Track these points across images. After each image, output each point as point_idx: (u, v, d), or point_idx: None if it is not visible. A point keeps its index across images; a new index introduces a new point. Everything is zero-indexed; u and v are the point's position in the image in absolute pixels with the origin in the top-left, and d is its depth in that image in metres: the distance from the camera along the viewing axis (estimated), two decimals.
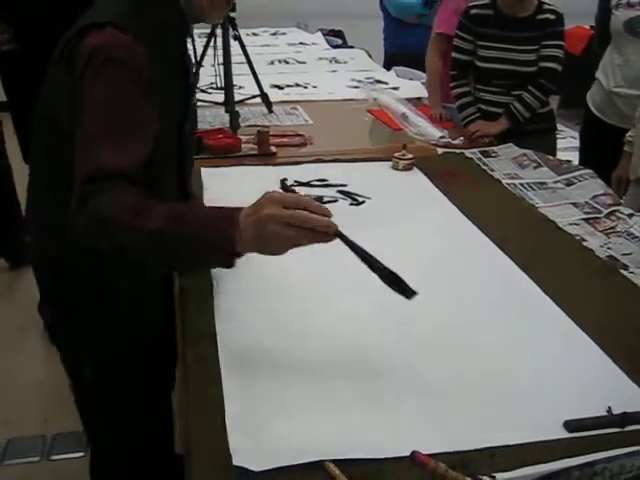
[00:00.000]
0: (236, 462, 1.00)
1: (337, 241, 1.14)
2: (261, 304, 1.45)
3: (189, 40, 1.49)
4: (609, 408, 1.12)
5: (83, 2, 1.40)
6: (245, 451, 1.03)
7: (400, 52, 4.00)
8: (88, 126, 1.16)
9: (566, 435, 1.08)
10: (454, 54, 2.66)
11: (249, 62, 2.85)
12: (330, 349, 1.29)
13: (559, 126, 4.20)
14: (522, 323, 1.39)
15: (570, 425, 1.09)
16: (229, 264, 1.12)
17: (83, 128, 1.16)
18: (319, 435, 1.06)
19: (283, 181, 1.08)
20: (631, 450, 0.98)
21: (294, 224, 1.04)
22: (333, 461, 1.00)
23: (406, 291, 1.12)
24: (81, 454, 2.22)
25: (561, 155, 2.75)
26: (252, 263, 1.56)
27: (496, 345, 1.31)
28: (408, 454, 0.98)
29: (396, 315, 1.39)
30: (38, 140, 1.36)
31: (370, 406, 1.13)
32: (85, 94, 1.17)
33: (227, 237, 1.06)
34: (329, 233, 1.08)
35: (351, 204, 1.96)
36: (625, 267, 1.64)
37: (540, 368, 1.24)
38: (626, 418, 1.10)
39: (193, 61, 1.55)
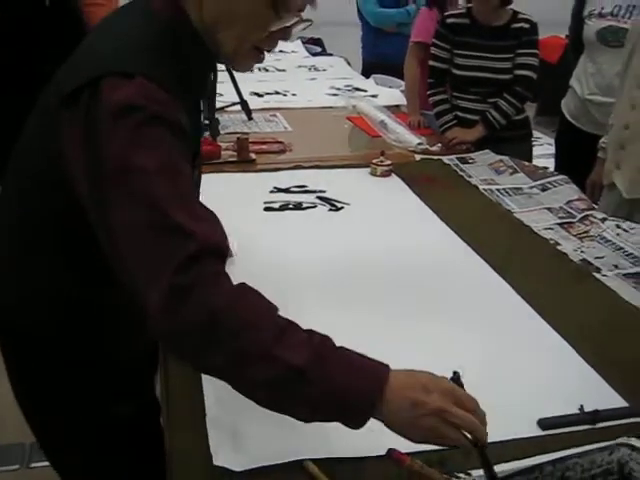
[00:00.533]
0: (217, 462, 1.02)
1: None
2: None
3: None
4: (581, 406, 1.15)
5: (56, 37, 1.25)
6: (226, 451, 1.04)
7: (379, 60, 4.05)
8: (154, 199, 0.91)
9: (540, 433, 1.11)
10: (431, 62, 2.70)
11: (229, 70, 2.86)
12: None
13: (536, 133, 4.27)
14: (497, 325, 1.42)
15: (544, 423, 1.12)
16: (355, 427, 0.93)
17: (143, 203, 0.91)
18: (299, 435, 1.08)
19: (455, 373, 0.97)
20: (602, 445, 1.01)
21: (459, 426, 0.90)
22: (313, 460, 1.02)
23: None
24: None
25: (538, 162, 2.80)
26: (233, 264, 1.60)
27: (471, 346, 1.34)
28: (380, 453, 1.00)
29: (376, 316, 1.42)
30: (24, 197, 1.15)
31: None
32: (127, 161, 0.92)
33: (369, 400, 0.90)
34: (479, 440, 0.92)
35: (330, 210, 1.98)
36: (598, 270, 1.68)
37: (514, 368, 1.27)
38: (597, 415, 1.13)
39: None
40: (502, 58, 2.53)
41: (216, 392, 1.17)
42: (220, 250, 0.95)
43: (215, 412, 1.13)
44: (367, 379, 0.90)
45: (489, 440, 1.06)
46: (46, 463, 2.21)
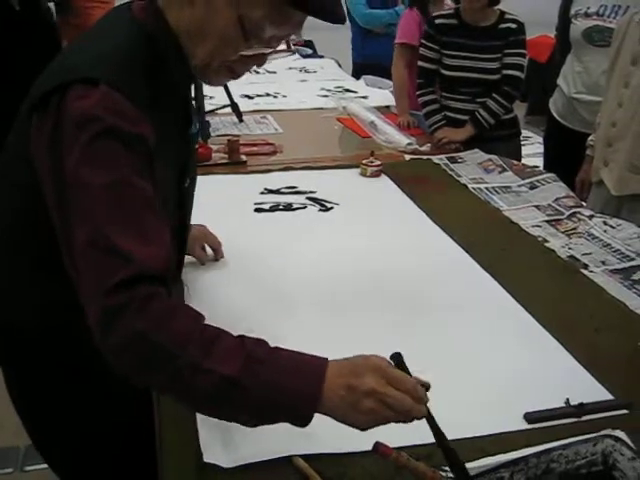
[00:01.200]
0: (207, 459, 1.03)
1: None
2: (234, 308, 1.47)
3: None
4: (567, 400, 1.17)
5: (26, 43, 1.23)
6: (215, 448, 1.05)
7: (368, 61, 4.07)
8: (96, 218, 0.91)
9: (526, 426, 1.13)
10: (420, 63, 2.72)
11: None
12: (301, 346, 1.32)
13: (526, 133, 4.29)
14: (485, 321, 1.44)
15: (530, 417, 1.13)
16: (301, 425, 0.93)
17: (87, 221, 0.92)
18: (288, 431, 1.08)
19: (396, 355, 0.96)
20: (586, 437, 1.02)
21: (394, 408, 0.91)
22: (302, 456, 1.03)
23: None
24: None
25: (528, 160, 2.82)
26: (224, 265, 1.61)
27: (459, 341, 1.36)
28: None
29: (366, 316, 1.43)
30: (6, 198, 1.14)
31: None
32: (77, 177, 0.93)
33: (309, 399, 0.90)
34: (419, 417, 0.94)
35: (320, 210, 2.00)
36: (585, 266, 1.70)
37: (502, 363, 1.29)
38: (583, 409, 1.14)
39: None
40: (490, 58, 2.54)
41: None
42: (158, 273, 0.92)
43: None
44: (304, 379, 0.90)
45: (475, 434, 1.09)
46: (41, 466, 2.24)
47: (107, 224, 0.91)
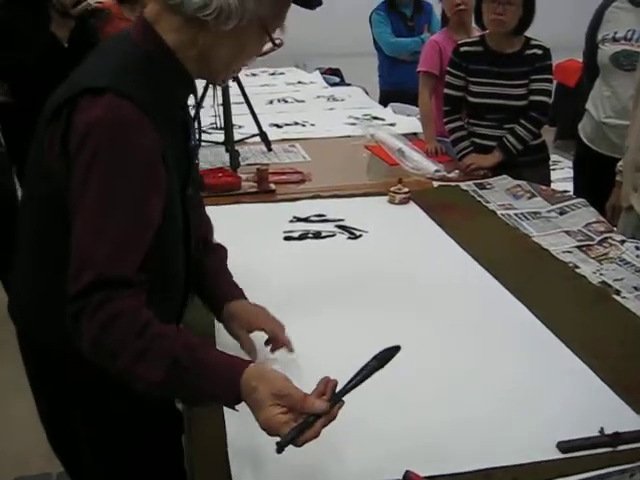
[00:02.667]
0: None
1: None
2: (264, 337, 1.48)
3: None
4: (601, 429, 1.15)
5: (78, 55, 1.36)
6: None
7: (395, 89, 4.10)
8: (88, 221, 1.03)
9: (560, 455, 1.11)
10: (446, 90, 2.74)
11: (248, 102, 2.93)
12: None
13: (556, 157, 4.27)
14: (516, 349, 1.43)
15: (563, 446, 1.12)
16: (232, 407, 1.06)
17: (82, 222, 1.03)
18: (317, 461, 1.09)
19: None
20: (621, 468, 1.01)
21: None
22: None
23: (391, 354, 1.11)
24: None
25: (558, 185, 2.82)
26: (260, 292, 1.61)
27: (491, 370, 1.35)
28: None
29: (397, 342, 1.43)
30: (30, 211, 1.20)
31: (365, 430, 1.17)
32: (82, 182, 1.03)
33: (230, 398, 1.04)
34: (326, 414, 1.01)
35: (349, 238, 2.01)
36: (617, 292, 1.68)
37: (534, 391, 1.28)
38: (618, 438, 1.13)
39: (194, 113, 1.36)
40: (516, 84, 2.55)
41: (238, 422, 1.19)
42: (120, 281, 1.03)
43: (237, 443, 1.15)
44: (222, 386, 1.02)
45: (508, 463, 1.08)
46: None
47: (87, 235, 1.03)
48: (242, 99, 2.94)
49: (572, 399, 1.25)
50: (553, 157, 3.94)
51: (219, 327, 1.50)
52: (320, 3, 1.16)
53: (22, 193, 1.29)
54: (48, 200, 1.12)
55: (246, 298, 1.38)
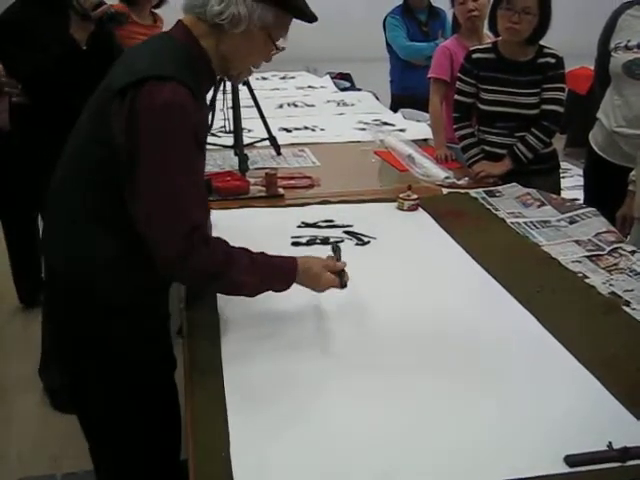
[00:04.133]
0: None
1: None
2: (268, 341, 1.48)
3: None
4: (610, 443, 1.13)
5: (96, 58, 1.44)
6: None
7: (407, 94, 4.08)
8: (169, 184, 1.30)
9: (567, 470, 1.10)
10: (457, 97, 2.73)
11: (257, 106, 2.92)
12: (331, 389, 1.32)
13: (566, 165, 4.24)
14: (524, 359, 1.42)
15: (571, 460, 1.10)
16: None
17: (162, 185, 1.30)
18: (320, 472, 1.08)
19: (335, 246, 1.67)
20: None
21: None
22: None
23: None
24: None
25: (568, 194, 2.80)
26: (260, 302, 1.61)
27: (496, 380, 1.34)
28: None
29: (395, 353, 1.42)
30: (84, 175, 1.41)
31: (368, 444, 1.15)
32: (155, 152, 1.29)
33: (290, 280, 1.47)
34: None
35: (357, 244, 2.00)
36: (627, 303, 1.66)
37: (541, 403, 1.26)
38: (627, 453, 1.11)
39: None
40: (528, 93, 2.53)
41: (241, 423, 1.19)
42: (205, 225, 1.41)
43: (239, 445, 1.14)
44: (285, 279, 1.47)
45: (514, 477, 1.07)
46: None
47: (183, 192, 1.32)
48: (252, 103, 2.93)
49: (580, 412, 1.24)
50: (563, 165, 3.91)
51: (224, 327, 1.52)
52: (316, 18, 1.44)
53: (66, 153, 1.48)
54: (101, 162, 1.36)
55: None
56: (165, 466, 1.63)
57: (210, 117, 1.60)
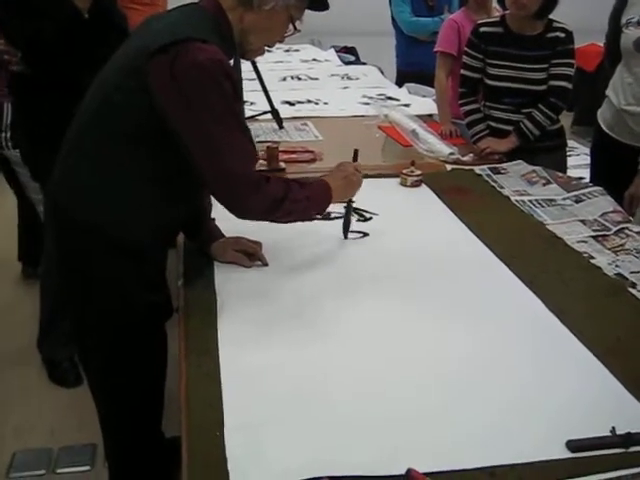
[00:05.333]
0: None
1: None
2: (265, 321, 1.45)
3: None
4: (613, 428, 1.11)
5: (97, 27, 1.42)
6: (243, 471, 1.03)
7: (412, 69, 4.01)
8: (230, 133, 1.42)
9: (569, 455, 1.07)
10: (463, 71, 2.67)
11: (260, 79, 2.87)
12: (329, 371, 1.29)
13: (572, 143, 4.18)
14: (526, 341, 1.39)
15: (573, 445, 1.08)
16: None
17: (221, 134, 1.41)
18: (317, 453, 1.06)
19: (355, 151, 1.85)
20: (634, 472, 0.97)
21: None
22: (330, 478, 1.00)
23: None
24: (87, 468, 2.21)
25: (574, 172, 2.74)
26: (272, 272, 1.62)
27: (499, 362, 1.31)
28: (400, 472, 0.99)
29: (396, 335, 1.39)
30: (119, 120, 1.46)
31: (368, 425, 1.13)
32: (208, 108, 1.39)
33: (329, 195, 1.63)
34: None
35: (358, 220, 1.96)
36: (633, 285, 1.63)
37: (543, 386, 1.24)
38: (630, 438, 1.08)
39: None
40: (536, 68, 2.48)
41: (236, 412, 1.16)
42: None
43: (234, 431, 1.12)
44: (324, 193, 1.63)
45: (514, 461, 1.04)
46: (72, 469, 2.25)
47: (243, 135, 1.47)
48: (254, 75, 2.88)
49: (583, 395, 1.21)
50: (569, 143, 3.85)
51: (221, 309, 1.49)
52: (328, 7, 1.59)
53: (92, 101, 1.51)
54: (129, 112, 1.44)
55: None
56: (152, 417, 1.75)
57: None
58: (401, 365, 1.29)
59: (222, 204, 1.51)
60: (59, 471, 2.23)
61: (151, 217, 1.53)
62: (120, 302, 1.55)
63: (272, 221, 1.57)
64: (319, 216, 1.69)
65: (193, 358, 1.32)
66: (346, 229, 1.84)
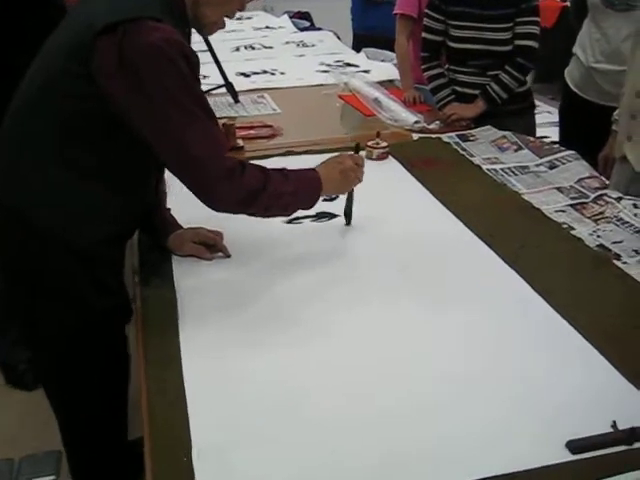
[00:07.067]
0: None
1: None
2: (233, 328, 1.33)
3: None
4: (614, 423, 1.02)
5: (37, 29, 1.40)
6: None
7: (369, 33, 3.87)
8: (191, 116, 1.29)
9: (570, 457, 0.98)
10: (424, 34, 2.54)
11: (211, 50, 2.70)
12: (298, 375, 1.19)
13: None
14: (507, 325, 1.30)
15: (573, 446, 0.99)
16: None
17: (183, 119, 1.28)
18: (284, 465, 0.96)
19: (357, 145, 1.71)
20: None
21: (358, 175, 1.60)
22: None
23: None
24: (52, 477, 2.08)
25: (539, 131, 2.66)
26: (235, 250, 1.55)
27: (490, 359, 1.21)
28: None
29: (380, 332, 1.30)
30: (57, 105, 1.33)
31: (350, 435, 1.03)
32: (165, 90, 1.26)
33: (319, 188, 1.49)
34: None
35: (324, 200, 1.83)
36: (617, 257, 1.55)
37: (531, 379, 1.15)
38: (634, 434, 1.00)
39: None
40: (500, 28, 2.36)
41: (203, 421, 1.06)
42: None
43: (201, 440, 1.02)
44: (314, 188, 1.48)
45: (510, 470, 0.95)
46: (35, 479, 2.11)
47: (203, 119, 1.32)
48: (205, 47, 2.71)
49: (577, 386, 1.12)
50: None
51: (180, 305, 1.38)
52: None
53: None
54: (74, 97, 1.29)
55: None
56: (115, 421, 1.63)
57: None
58: (389, 365, 1.19)
59: (194, 194, 1.38)
60: None
61: (101, 214, 1.40)
62: (71, 308, 1.42)
63: (250, 215, 1.44)
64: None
65: (153, 370, 1.20)
66: (348, 215, 1.71)
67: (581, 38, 2.55)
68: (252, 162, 1.43)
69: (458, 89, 2.51)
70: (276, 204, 1.43)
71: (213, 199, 1.38)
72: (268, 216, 1.47)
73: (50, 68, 1.34)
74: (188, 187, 1.37)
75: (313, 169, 1.50)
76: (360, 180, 1.60)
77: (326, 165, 1.54)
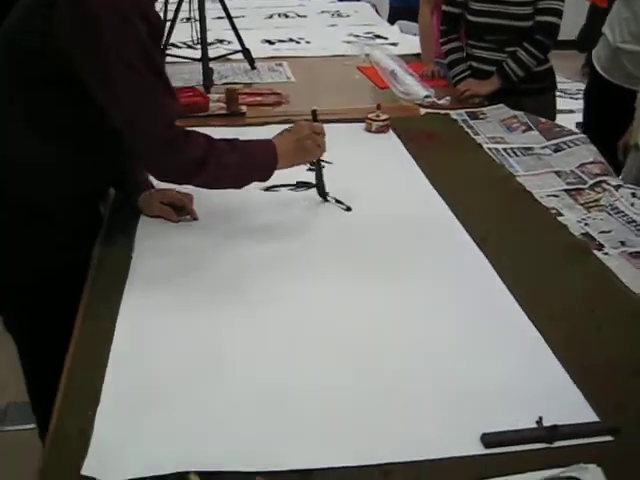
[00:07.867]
0: (84, 472, 0.87)
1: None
2: (179, 292, 1.30)
3: None
4: (540, 419, 0.95)
5: None
6: (100, 460, 0.89)
7: (406, 5, 3.75)
8: (141, 80, 1.25)
9: (483, 451, 0.92)
10: (444, 7, 2.44)
11: (228, 16, 2.66)
12: (227, 354, 1.13)
13: (581, 85, 3.92)
14: (461, 309, 1.23)
15: (488, 439, 0.92)
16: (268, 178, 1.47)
17: (131, 81, 1.24)
18: (189, 446, 0.92)
19: (314, 111, 1.62)
20: (556, 474, 0.82)
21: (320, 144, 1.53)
22: (198, 473, 0.87)
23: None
24: (34, 425, 2.11)
25: (575, 117, 2.52)
26: (216, 220, 1.53)
27: (423, 333, 1.16)
28: (282, 468, 0.85)
29: (338, 277, 1.29)
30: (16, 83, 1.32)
31: (252, 417, 0.99)
32: (117, 50, 1.22)
33: (273, 159, 1.43)
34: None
35: (309, 169, 1.78)
36: (600, 247, 1.45)
37: (466, 365, 1.08)
38: (555, 432, 0.93)
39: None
40: (521, 2, 2.24)
41: (116, 391, 1.03)
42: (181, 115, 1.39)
43: (106, 415, 0.98)
44: (265, 158, 1.44)
45: (413, 458, 0.90)
46: (19, 427, 2.15)
47: (151, 84, 1.27)
48: (232, 13, 2.67)
49: (512, 376, 1.05)
50: (578, 86, 3.61)
51: (133, 266, 1.35)
52: None
53: None
54: (34, 52, 1.26)
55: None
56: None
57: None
58: (338, 338, 1.15)
59: (139, 160, 1.39)
60: (7, 428, 2.15)
61: (65, 171, 1.37)
62: (33, 265, 1.41)
63: (197, 186, 1.41)
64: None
65: (86, 325, 1.19)
66: (321, 190, 1.63)
67: (611, 17, 2.42)
68: (199, 131, 1.38)
69: (475, 65, 2.41)
70: (224, 175, 1.39)
71: (154, 167, 1.37)
72: (220, 187, 1.44)
73: (12, 27, 1.32)
74: (133, 152, 1.37)
75: (269, 140, 1.46)
76: (323, 150, 1.53)
77: (281, 135, 1.48)
